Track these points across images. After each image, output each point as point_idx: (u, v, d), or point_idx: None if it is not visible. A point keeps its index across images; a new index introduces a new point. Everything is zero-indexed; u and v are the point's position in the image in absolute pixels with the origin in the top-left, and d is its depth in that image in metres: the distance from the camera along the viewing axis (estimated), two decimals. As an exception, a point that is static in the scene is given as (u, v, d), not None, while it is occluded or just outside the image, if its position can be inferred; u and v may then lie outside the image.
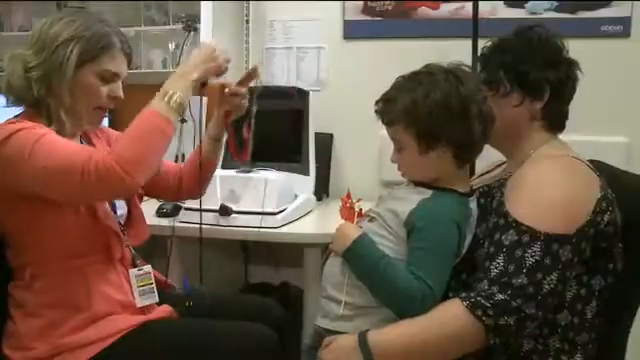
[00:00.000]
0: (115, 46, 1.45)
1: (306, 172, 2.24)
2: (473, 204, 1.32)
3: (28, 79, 1.39)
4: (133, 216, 1.59)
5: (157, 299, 1.51)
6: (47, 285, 1.39)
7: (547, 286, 1.18)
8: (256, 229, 1.91)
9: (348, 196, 1.37)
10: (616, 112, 2.31)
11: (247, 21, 2.64)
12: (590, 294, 1.27)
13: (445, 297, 1.25)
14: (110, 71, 1.45)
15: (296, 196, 2.12)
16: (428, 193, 1.28)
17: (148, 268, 1.52)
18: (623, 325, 1.32)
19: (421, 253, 1.22)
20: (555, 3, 2.33)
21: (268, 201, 1.93)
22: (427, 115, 1.23)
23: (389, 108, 1.28)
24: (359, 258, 1.26)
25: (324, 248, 1.59)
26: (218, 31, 2.47)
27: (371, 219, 1.32)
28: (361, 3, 2.51)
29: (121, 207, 1.56)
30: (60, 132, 1.39)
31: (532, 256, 1.18)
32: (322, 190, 2.41)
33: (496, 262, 1.20)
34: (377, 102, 1.32)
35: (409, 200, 1.28)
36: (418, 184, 1.32)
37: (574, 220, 1.21)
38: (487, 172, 1.56)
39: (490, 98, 1.33)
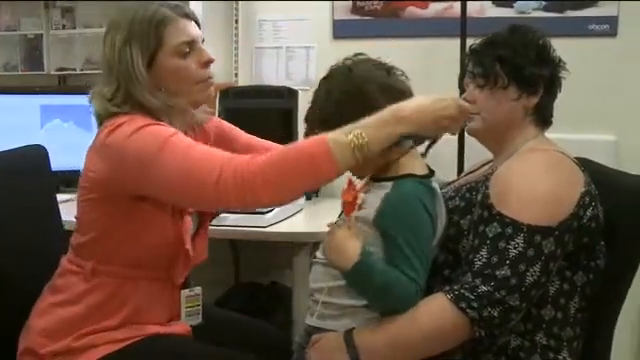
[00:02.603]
0: (168, 17, 1.32)
1: (295, 171, 2.24)
2: (435, 184, 1.31)
3: (116, 105, 1.31)
4: (199, 235, 1.50)
5: (201, 320, 1.47)
6: (103, 284, 1.35)
7: (530, 278, 1.18)
8: (245, 228, 1.90)
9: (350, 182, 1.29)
10: (604, 110, 2.32)
11: (236, 21, 2.63)
12: (573, 289, 1.28)
13: (430, 293, 1.24)
14: (183, 42, 1.33)
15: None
16: (388, 186, 1.26)
17: (199, 290, 1.47)
18: (607, 321, 1.33)
19: (398, 248, 1.21)
20: (543, 2, 2.33)
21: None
22: (335, 112, 1.24)
23: (310, 125, 1.30)
24: (359, 280, 1.22)
25: (313, 247, 1.59)
26: (207, 31, 2.45)
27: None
28: (350, 3, 2.51)
29: (192, 226, 1.48)
30: None
31: (515, 248, 1.18)
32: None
33: (480, 254, 1.21)
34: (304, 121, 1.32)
35: (373, 199, 1.25)
36: (376, 179, 1.31)
37: (557, 213, 1.22)
38: (473, 171, 1.56)
39: (488, 91, 1.34)
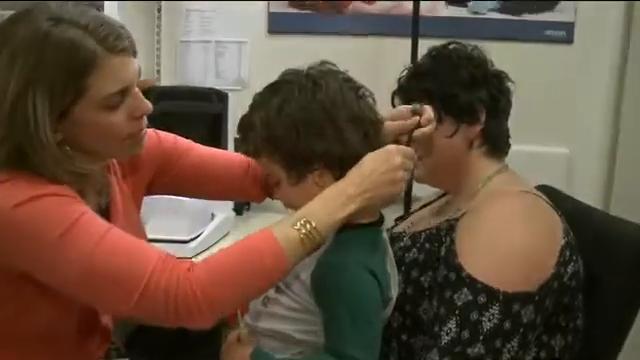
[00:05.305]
0: (97, 58, 0.94)
1: (225, 185, 2.02)
2: (384, 234, 1.10)
3: None
4: None
5: None
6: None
7: (507, 354, 1.02)
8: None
9: None
10: (557, 122, 2.23)
11: (159, 9, 2.43)
12: (551, 356, 1.12)
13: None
14: (114, 93, 0.97)
15: (213, 216, 1.90)
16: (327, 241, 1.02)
17: None
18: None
19: (337, 323, 0.98)
20: (498, 4, 2.21)
21: (179, 227, 1.69)
22: (286, 135, 0.99)
23: (247, 137, 1.04)
24: None
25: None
26: (125, 20, 2.19)
27: (277, 289, 1.06)
28: (288, -6, 2.35)
29: None
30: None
31: (490, 320, 1.02)
32: (243, 203, 2.19)
33: (447, 327, 1.03)
34: (238, 129, 1.07)
35: (308, 258, 1.01)
36: None
37: (537, 274, 1.06)
38: (429, 203, 1.38)
39: None
